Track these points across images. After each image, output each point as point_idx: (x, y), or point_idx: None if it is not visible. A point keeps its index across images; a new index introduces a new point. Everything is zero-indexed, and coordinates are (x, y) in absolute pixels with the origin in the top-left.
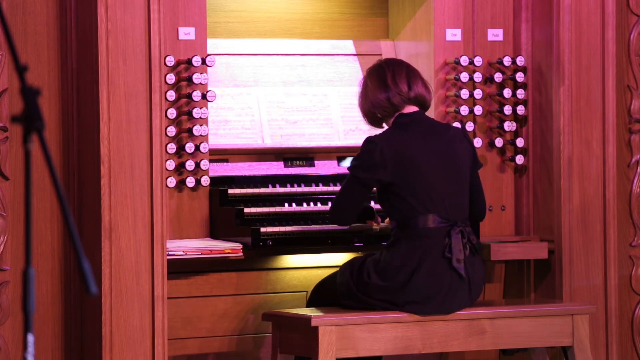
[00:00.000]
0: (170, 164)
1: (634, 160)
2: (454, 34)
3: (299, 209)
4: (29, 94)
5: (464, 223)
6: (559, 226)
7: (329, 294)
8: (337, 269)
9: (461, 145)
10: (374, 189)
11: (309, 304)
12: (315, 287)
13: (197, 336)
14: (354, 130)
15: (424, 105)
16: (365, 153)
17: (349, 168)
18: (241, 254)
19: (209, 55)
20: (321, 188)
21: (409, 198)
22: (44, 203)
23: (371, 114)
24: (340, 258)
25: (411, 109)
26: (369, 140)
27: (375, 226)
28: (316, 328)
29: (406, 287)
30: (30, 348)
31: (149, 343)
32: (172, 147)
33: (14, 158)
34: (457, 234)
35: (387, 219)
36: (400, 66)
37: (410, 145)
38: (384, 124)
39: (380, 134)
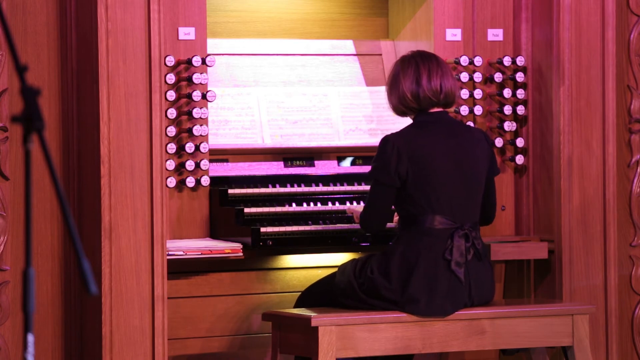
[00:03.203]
0: (170, 164)
1: (634, 160)
2: (454, 34)
3: (299, 209)
4: (29, 94)
5: (471, 227)
6: (559, 226)
7: (321, 296)
8: (337, 269)
9: (480, 148)
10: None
11: (297, 305)
12: (308, 289)
13: (197, 336)
14: (354, 130)
15: (451, 104)
16: (382, 154)
17: (369, 173)
18: (241, 254)
19: (209, 55)
20: (321, 188)
21: (418, 197)
22: (44, 203)
23: (397, 107)
24: (341, 258)
25: (436, 109)
26: (384, 140)
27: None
28: (316, 328)
29: (405, 286)
30: (30, 348)
31: (149, 343)
32: (172, 147)
33: (14, 158)
34: (460, 237)
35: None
36: (435, 64)
37: (426, 144)
38: (408, 116)
39: (396, 133)
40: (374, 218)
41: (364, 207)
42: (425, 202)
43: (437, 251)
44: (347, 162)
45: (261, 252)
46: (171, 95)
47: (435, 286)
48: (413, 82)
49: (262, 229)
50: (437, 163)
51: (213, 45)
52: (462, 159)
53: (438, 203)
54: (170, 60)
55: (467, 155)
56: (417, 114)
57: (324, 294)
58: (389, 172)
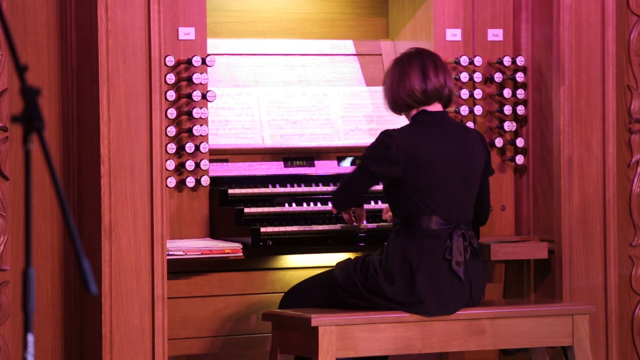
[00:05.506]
0: (170, 164)
1: (634, 160)
2: (454, 34)
3: (299, 209)
4: (29, 94)
5: (466, 226)
6: (559, 226)
7: (302, 298)
8: (332, 268)
9: (477, 149)
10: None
11: (281, 307)
12: (289, 292)
13: (197, 336)
14: (354, 130)
15: (450, 102)
16: (381, 145)
17: (361, 156)
18: (241, 254)
19: (209, 55)
20: (321, 188)
21: (415, 197)
22: (44, 203)
23: (400, 100)
24: (341, 258)
25: (436, 107)
26: (386, 133)
27: (362, 226)
28: (316, 328)
29: (410, 287)
30: (30, 348)
31: (149, 343)
32: (172, 147)
33: (14, 158)
34: (458, 237)
35: (388, 215)
36: (439, 60)
37: (426, 144)
38: (405, 114)
39: (399, 129)
40: (349, 199)
41: (341, 185)
42: (422, 204)
43: (437, 252)
44: (347, 162)
45: (261, 252)
46: (171, 95)
47: (439, 287)
48: (420, 74)
49: (262, 229)
50: (436, 164)
51: (213, 45)
52: (460, 160)
53: (436, 204)
54: (170, 60)
55: (465, 157)
56: (418, 113)
57: (303, 297)
58: (380, 166)
